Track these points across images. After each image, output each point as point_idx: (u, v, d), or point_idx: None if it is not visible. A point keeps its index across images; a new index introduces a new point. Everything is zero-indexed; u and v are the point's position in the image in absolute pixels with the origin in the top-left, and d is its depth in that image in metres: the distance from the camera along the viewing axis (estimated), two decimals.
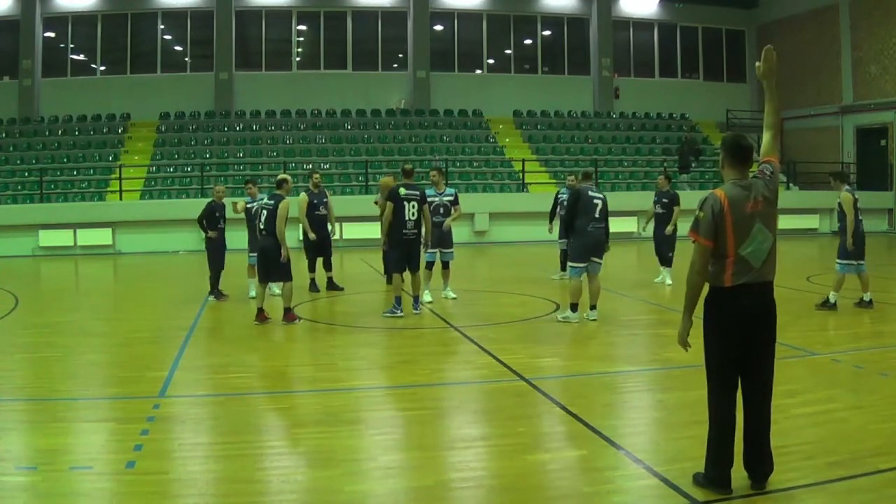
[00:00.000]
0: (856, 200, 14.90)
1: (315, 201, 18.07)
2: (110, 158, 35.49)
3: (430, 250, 16.23)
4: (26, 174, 33.89)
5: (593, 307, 14.32)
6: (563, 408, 8.72)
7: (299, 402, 9.58)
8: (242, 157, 36.69)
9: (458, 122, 40.84)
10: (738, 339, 6.23)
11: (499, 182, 35.78)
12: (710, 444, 6.32)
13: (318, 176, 18.78)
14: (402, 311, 14.98)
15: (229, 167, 35.69)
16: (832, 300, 14.82)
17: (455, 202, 16.70)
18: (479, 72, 43.73)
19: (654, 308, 16.07)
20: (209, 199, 17.50)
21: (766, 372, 6.34)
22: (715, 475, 6.24)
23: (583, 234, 14.20)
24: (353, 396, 9.64)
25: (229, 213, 17.71)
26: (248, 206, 17.13)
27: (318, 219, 18.09)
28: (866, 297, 15.18)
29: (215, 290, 17.08)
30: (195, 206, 30.16)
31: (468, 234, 32.56)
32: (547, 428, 8.39)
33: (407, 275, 15.35)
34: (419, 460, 7.36)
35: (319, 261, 18.31)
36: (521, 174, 36.04)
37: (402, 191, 15.11)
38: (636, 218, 33.93)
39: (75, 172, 34.24)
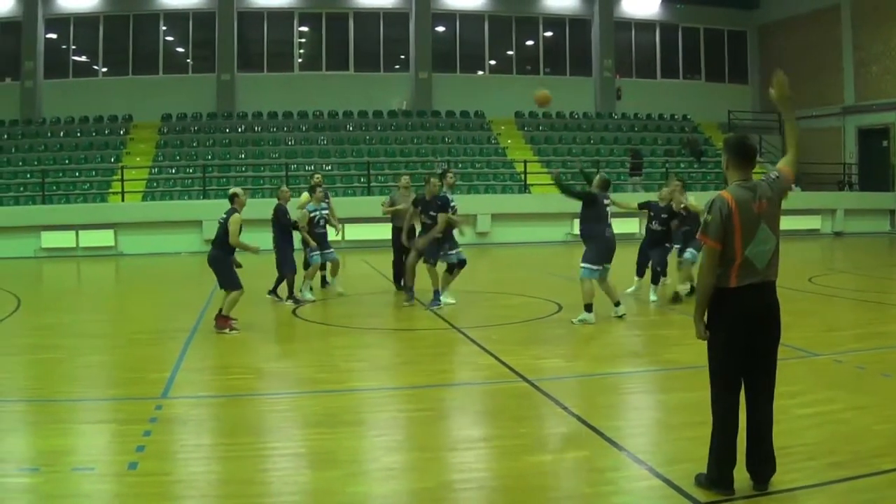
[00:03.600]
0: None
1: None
2: (112, 160, 35.48)
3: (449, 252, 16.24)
4: (28, 175, 33.91)
5: (618, 303, 14.53)
6: (565, 409, 8.72)
7: (301, 404, 9.58)
8: (244, 158, 36.69)
9: (459, 123, 40.85)
10: (742, 340, 6.21)
11: (500, 183, 35.77)
12: (713, 445, 6.31)
13: (318, 177, 18.75)
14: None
15: (231, 168, 35.74)
16: None
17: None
18: (480, 73, 43.75)
19: (656, 309, 16.05)
20: (276, 202, 17.12)
21: (770, 373, 6.35)
22: (718, 476, 6.22)
23: (600, 239, 14.27)
24: (354, 398, 9.65)
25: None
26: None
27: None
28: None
29: (292, 296, 16.84)
30: (197, 208, 30.41)
31: (470, 235, 32.50)
32: (549, 429, 8.39)
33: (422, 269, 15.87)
34: (421, 462, 7.36)
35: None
36: (523, 175, 36.04)
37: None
38: (637, 219, 33.91)
39: (77, 174, 34.26)
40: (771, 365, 6.36)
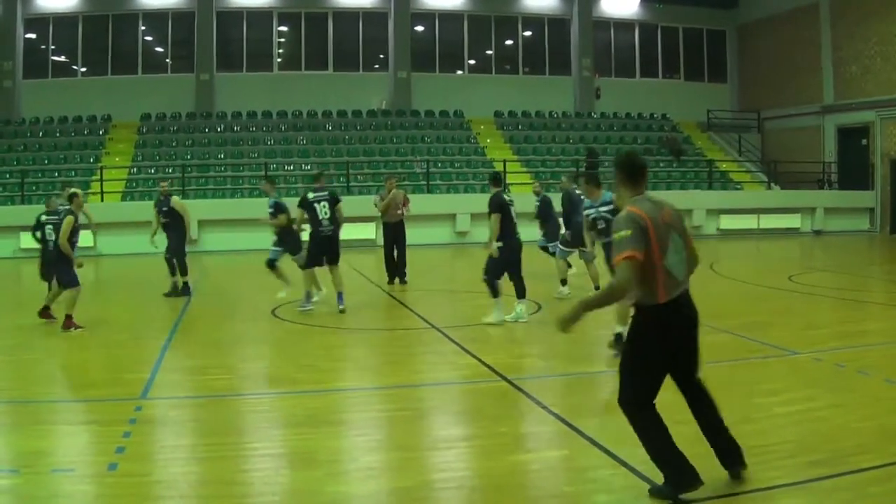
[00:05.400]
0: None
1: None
2: (91, 160, 35.37)
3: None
4: (7, 176, 33.75)
5: (598, 287, 15.59)
6: (545, 408, 8.73)
7: (281, 404, 9.55)
8: (223, 158, 36.61)
9: (439, 122, 40.86)
10: (671, 352, 6.23)
11: (480, 183, 35.66)
12: (657, 454, 6.28)
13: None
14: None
15: (210, 168, 35.65)
16: None
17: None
18: (460, 72, 43.74)
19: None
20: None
21: (697, 369, 6.42)
22: (678, 475, 6.17)
23: (575, 225, 16.55)
24: (334, 398, 9.65)
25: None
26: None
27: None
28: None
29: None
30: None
31: (450, 234, 32.58)
32: (528, 428, 8.39)
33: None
34: (401, 461, 7.36)
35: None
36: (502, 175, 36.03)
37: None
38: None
39: (56, 174, 34.08)
40: (697, 363, 6.39)
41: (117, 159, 35.50)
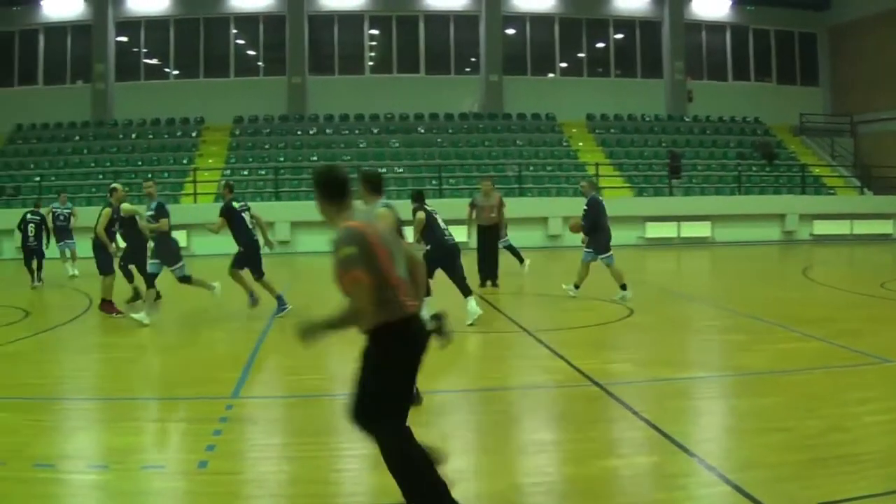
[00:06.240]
0: None
1: None
2: (184, 162, 35.92)
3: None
4: (100, 176, 34.36)
5: (624, 287, 16.75)
6: (636, 413, 8.57)
7: None
8: (316, 160, 36.77)
9: (530, 125, 40.73)
10: (415, 368, 6.01)
11: (572, 186, 35.38)
12: (423, 489, 5.93)
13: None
14: None
15: (303, 170, 35.87)
16: None
17: None
18: (551, 75, 43.55)
19: (728, 313, 15.79)
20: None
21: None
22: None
23: (606, 231, 17.08)
24: (425, 399, 9.58)
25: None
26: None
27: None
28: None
29: None
30: (269, 209, 30.57)
31: (542, 237, 32.43)
32: (619, 433, 8.25)
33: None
34: (490, 464, 7.30)
35: None
36: (595, 179, 35.82)
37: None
38: (709, 223, 33.72)
39: (149, 175, 34.54)
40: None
41: (210, 161, 35.97)
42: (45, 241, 22.64)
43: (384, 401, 5.87)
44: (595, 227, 17.10)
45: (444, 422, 8.70)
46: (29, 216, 22.54)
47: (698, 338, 13.53)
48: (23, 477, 6.86)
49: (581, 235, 17.34)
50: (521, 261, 21.49)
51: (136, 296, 17.01)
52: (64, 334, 14.68)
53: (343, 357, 12.36)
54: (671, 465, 7.12)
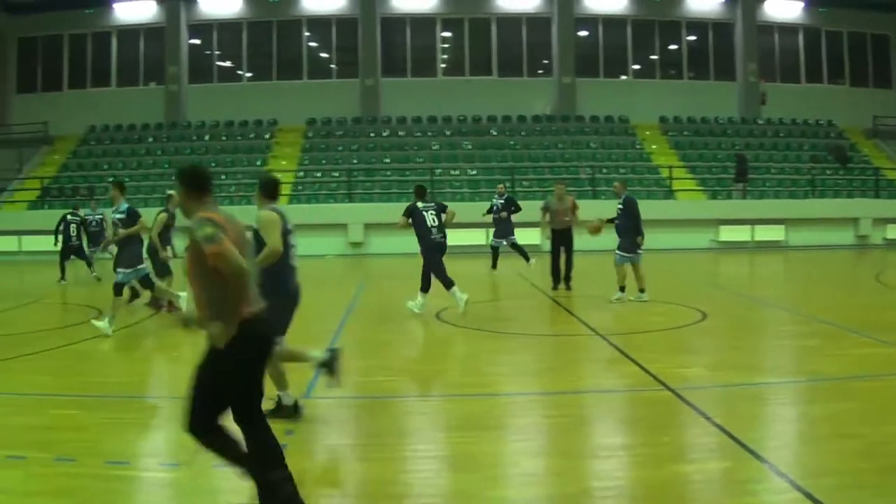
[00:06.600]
0: None
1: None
2: (258, 163, 36.25)
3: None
4: (173, 178, 34.58)
5: (642, 290, 17.35)
6: (708, 418, 8.48)
7: (443, 407, 9.55)
8: (389, 162, 37.02)
9: (603, 128, 40.59)
10: (260, 366, 6.04)
11: (646, 189, 35.24)
12: (267, 481, 6.08)
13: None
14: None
15: (376, 173, 36.08)
16: None
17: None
18: (624, 77, 43.40)
19: (801, 318, 15.60)
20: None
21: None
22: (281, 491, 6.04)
23: (638, 231, 17.53)
24: (496, 402, 9.58)
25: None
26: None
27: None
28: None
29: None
30: (342, 211, 30.83)
31: (615, 240, 32.21)
32: (691, 439, 8.16)
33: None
34: (561, 468, 7.25)
35: None
36: (668, 181, 35.59)
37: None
38: (783, 227, 33.38)
39: (223, 177, 34.98)
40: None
41: (283, 163, 36.30)
42: (84, 241, 23.85)
43: (217, 394, 6.11)
44: (629, 227, 17.61)
45: (516, 423, 8.68)
46: (70, 217, 23.71)
47: (771, 342, 13.38)
48: (95, 474, 6.97)
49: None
50: (527, 259, 22.54)
51: (135, 295, 16.85)
52: (135, 333, 14.91)
53: (413, 358, 12.45)
54: (742, 471, 7.03)
